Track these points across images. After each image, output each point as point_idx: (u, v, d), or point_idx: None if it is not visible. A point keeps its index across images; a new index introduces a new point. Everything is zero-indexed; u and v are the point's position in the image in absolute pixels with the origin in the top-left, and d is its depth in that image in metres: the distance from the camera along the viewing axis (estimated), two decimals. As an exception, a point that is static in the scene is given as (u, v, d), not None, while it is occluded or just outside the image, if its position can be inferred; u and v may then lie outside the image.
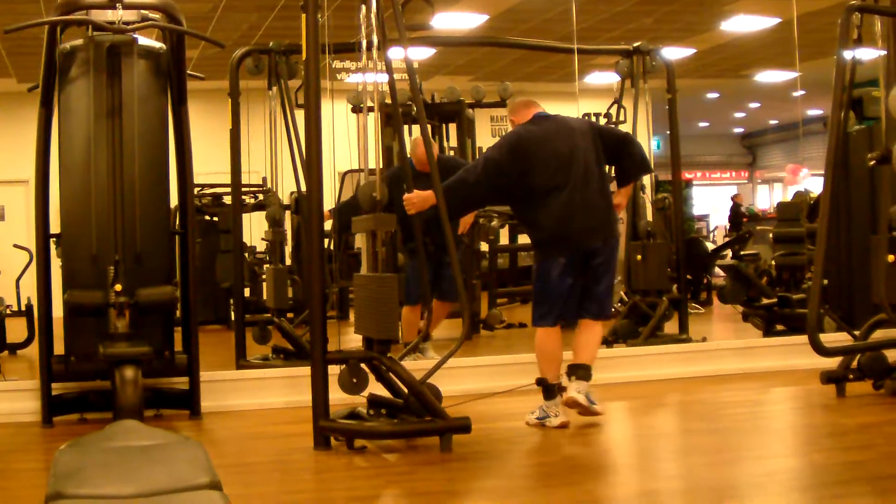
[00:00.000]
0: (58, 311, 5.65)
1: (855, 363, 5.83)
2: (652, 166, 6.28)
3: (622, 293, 9.75)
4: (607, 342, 7.58)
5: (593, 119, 8.72)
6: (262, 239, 10.99)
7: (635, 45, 8.22)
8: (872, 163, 5.95)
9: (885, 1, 5.98)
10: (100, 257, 5.50)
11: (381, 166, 5.03)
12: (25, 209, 11.08)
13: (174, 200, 6.03)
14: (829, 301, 7.10)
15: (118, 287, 5.36)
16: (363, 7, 5.07)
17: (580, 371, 5.13)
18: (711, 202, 19.80)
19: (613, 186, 5.59)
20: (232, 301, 8.62)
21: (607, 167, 5.45)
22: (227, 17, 10.06)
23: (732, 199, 18.86)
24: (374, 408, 5.00)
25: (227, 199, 10.03)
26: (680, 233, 8.28)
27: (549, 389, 5.16)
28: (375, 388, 5.03)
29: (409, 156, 6.74)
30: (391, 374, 4.91)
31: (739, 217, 17.88)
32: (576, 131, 5.24)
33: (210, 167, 9.49)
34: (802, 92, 11.72)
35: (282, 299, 7.46)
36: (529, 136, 5.21)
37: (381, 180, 4.93)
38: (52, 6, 5.75)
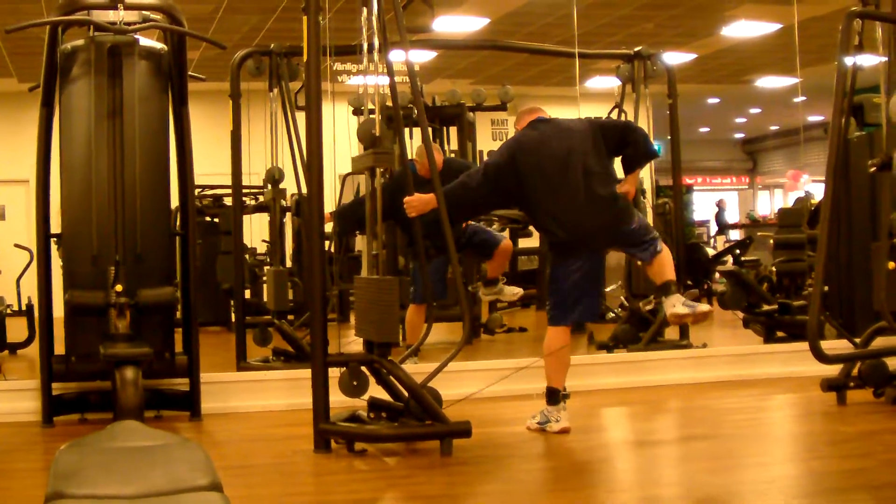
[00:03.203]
0: (58, 311, 5.66)
1: (855, 371, 5.82)
2: (658, 152, 6.19)
3: (623, 298, 9.76)
4: (608, 347, 7.57)
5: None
6: (263, 241, 11.02)
7: (636, 49, 8.22)
8: (873, 169, 5.95)
9: (887, 7, 5.97)
10: (100, 258, 5.50)
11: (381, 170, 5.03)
12: (26, 209, 11.08)
13: (175, 201, 6.04)
14: (829, 308, 7.09)
15: (119, 287, 5.37)
16: (364, 9, 5.07)
17: (668, 288, 5.11)
18: (712, 207, 19.92)
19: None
20: (232, 302, 8.61)
21: (616, 160, 5.37)
22: (228, 19, 10.06)
23: (717, 204, 19.44)
24: (375, 411, 5.00)
25: (228, 201, 10.03)
26: (680, 238, 8.27)
27: (554, 394, 5.15)
28: (376, 391, 5.03)
29: (413, 159, 6.73)
30: (392, 377, 4.91)
31: (723, 221, 18.74)
32: (574, 132, 5.21)
33: (211, 168, 9.48)
34: (803, 98, 11.71)
35: (282, 301, 7.45)
36: (527, 140, 5.21)
37: (380, 120, 4.95)
38: (54, 6, 5.75)
